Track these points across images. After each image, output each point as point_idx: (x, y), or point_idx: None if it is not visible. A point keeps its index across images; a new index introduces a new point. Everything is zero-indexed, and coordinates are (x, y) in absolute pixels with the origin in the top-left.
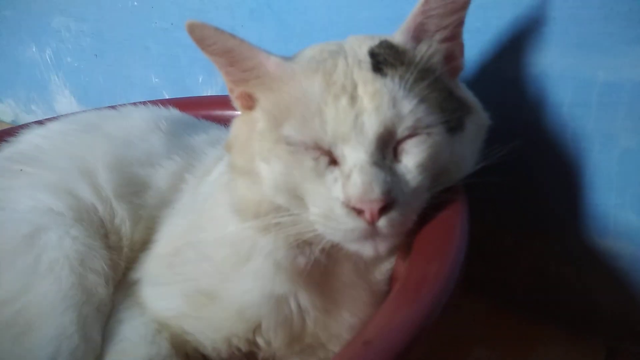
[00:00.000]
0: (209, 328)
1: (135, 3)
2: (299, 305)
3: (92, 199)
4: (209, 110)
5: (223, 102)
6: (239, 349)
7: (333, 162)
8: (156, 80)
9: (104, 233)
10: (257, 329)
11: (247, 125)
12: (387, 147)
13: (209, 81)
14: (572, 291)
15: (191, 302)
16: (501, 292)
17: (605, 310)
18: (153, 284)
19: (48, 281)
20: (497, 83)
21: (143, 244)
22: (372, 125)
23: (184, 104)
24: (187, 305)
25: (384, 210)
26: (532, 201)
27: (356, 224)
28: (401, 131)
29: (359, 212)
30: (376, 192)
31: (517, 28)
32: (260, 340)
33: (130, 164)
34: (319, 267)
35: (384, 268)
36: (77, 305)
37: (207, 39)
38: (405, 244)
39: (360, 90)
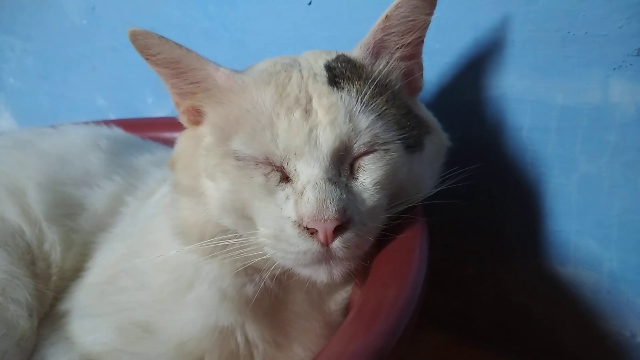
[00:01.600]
0: None
1: (85, 22)
2: (246, 338)
3: (18, 221)
4: (157, 132)
5: (173, 123)
6: None
7: (285, 178)
8: (102, 102)
9: (30, 259)
10: None
11: (192, 141)
12: (342, 164)
13: (159, 103)
14: (535, 322)
15: (125, 335)
16: (462, 324)
17: (568, 341)
18: (83, 315)
19: None
20: (455, 105)
21: (75, 272)
22: (327, 140)
23: (131, 125)
24: (121, 339)
25: (339, 230)
26: (492, 228)
27: (309, 246)
28: (358, 147)
29: (312, 232)
30: (331, 211)
31: (476, 50)
32: None
33: (64, 184)
34: (269, 296)
35: (339, 297)
36: None
37: (152, 47)
38: (363, 270)
39: (315, 104)
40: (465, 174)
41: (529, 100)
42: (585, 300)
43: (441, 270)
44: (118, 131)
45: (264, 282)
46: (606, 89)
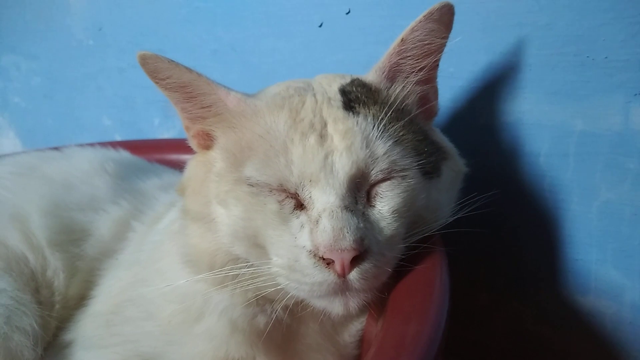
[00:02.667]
0: None
1: (91, 42)
2: None
3: (22, 248)
4: (163, 154)
5: (179, 145)
6: None
7: (299, 206)
8: (108, 122)
9: (34, 286)
10: None
11: (203, 166)
12: (359, 191)
13: (165, 124)
14: (552, 353)
15: None
16: (476, 354)
17: None
18: (87, 346)
19: None
20: (470, 130)
21: (79, 300)
22: (343, 166)
23: (136, 146)
24: None
25: (356, 260)
26: (508, 256)
27: (325, 277)
28: (375, 174)
29: (328, 263)
30: (348, 240)
31: (491, 74)
32: None
33: (69, 209)
34: (281, 328)
35: (354, 329)
36: None
37: (161, 71)
38: (378, 300)
39: (330, 129)
40: (482, 200)
41: (546, 126)
42: (606, 331)
43: (454, 299)
44: (125, 154)
45: (276, 313)
46: (627, 115)
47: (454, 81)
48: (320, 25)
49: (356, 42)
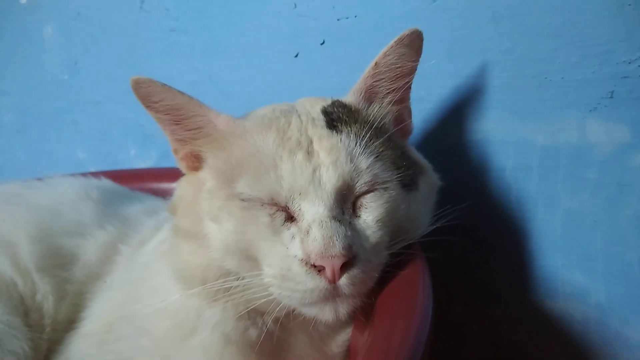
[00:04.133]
0: None
1: (66, 76)
2: None
3: (11, 274)
4: (142, 183)
5: (158, 174)
6: None
7: (290, 218)
8: (82, 155)
9: (23, 310)
10: None
11: (193, 186)
12: (345, 202)
13: (141, 155)
14: (526, 357)
15: None
16: None
17: None
18: None
19: None
20: (440, 148)
21: (69, 324)
22: (330, 179)
23: (116, 176)
24: None
25: (345, 267)
26: (481, 266)
27: (316, 283)
28: (359, 186)
29: (319, 270)
30: (338, 247)
31: (458, 96)
32: None
33: (56, 235)
34: (272, 340)
35: (341, 340)
36: None
37: (154, 95)
38: (364, 313)
39: (316, 146)
40: (456, 212)
41: (510, 142)
42: (575, 332)
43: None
44: (107, 182)
45: (267, 326)
46: (584, 130)
47: (425, 104)
48: (296, 55)
49: (331, 70)
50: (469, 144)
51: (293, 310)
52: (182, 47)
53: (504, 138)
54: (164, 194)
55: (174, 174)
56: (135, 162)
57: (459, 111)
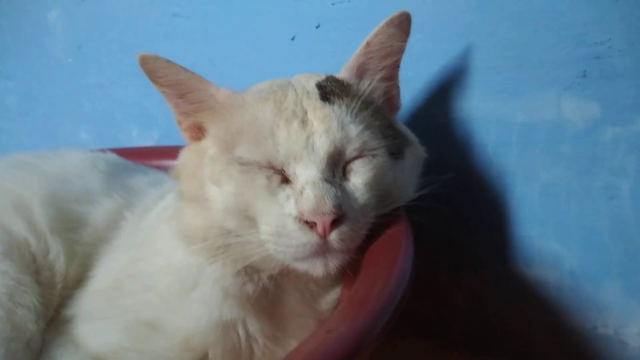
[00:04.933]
0: None
1: (70, 60)
2: (247, 333)
3: (25, 234)
4: (145, 160)
5: (160, 152)
6: None
7: (285, 181)
8: (86, 136)
9: (35, 269)
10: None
11: (196, 154)
12: (336, 167)
13: (143, 135)
14: (507, 323)
15: (132, 334)
16: (441, 331)
17: (538, 339)
18: (89, 318)
19: None
20: (427, 127)
21: (78, 282)
22: (322, 145)
23: (119, 154)
24: (128, 339)
25: (335, 224)
26: (465, 238)
27: (308, 238)
28: (349, 152)
29: (312, 226)
30: (328, 205)
31: (444, 77)
32: None
33: (67, 201)
34: (267, 295)
35: (330, 298)
36: (5, 340)
37: (159, 70)
38: (352, 271)
39: (310, 116)
40: (441, 182)
41: (492, 120)
42: (551, 298)
43: (418, 280)
44: (113, 156)
45: (263, 282)
46: (559, 107)
47: (412, 84)
48: (293, 39)
49: (326, 52)
50: (454, 121)
51: (287, 267)
52: (184, 32)
53: (486, 116)
54: (166, 170)
55: (175, 152)
56: (137, 143)
57: (445, 91)
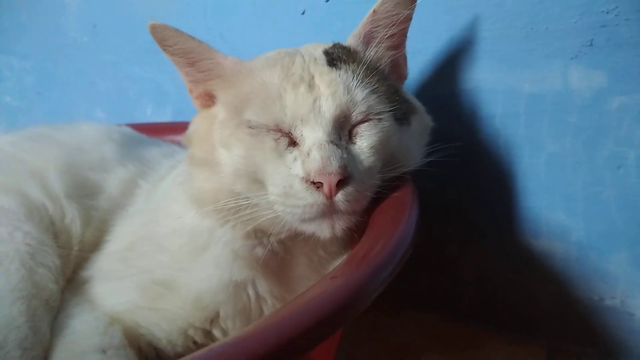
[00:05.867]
0: (164, 319)
1: (85, 39)
2: (256, 293)
3: (42, 199)
4: (159, 136)
5: (174, 127)
6: (194, 342)
7: (292, 143)
8: (101, 114)
9: (53, 231)
10: (214, 318)
11: (207, 120)
12: (342, 130)
13: (157, 112)
14: (514, 295)
15: (146, 293)
16: (448, 302)
17: (544, 310)
18: (105, 279)
19: None
20: (435, 98)
21: (94, 246)
22: (329, 108)
23: (135, 129)
24: (142, 298)
25: (340, 184)
26: (472, 209)
27: (315, 198)
28: (355, 115)
29: (318, 187)
30: (334, 166)
31: (452, 48)
32: (216, 332)
33: (82, 169)
34: (276, 259)
35: (337, 264)
36: (26, 297)
37: (169, 39)
38: (361, 227)
39: (317, 80)
40: (449, 149)
41: (500, 91)
42: (557, 269)
43: (426, 252)
44: (127, 129)
45: (272, 245)
46: (566, 77)
47: (421, 56)
48: (303, 13)
49: (335, 26)
50: (462, 93)
51: (295, 230)
52: (196, 8)
53: (493, 87)
54: (179, 145)
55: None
56: (151, 120)
57: (453, 62)
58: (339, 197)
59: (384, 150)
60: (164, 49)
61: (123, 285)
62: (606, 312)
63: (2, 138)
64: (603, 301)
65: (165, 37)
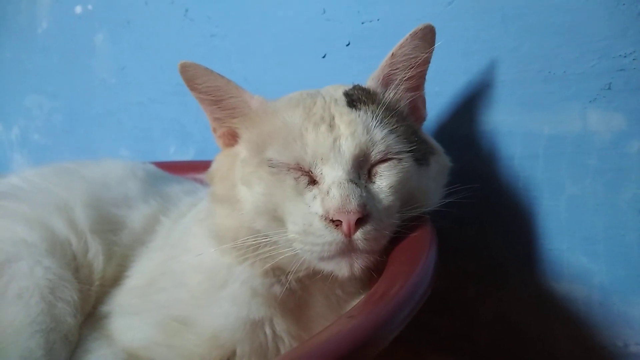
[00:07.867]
0: (180, 357)
1: (113, 80)
2: (273, 332)
3: (67, 233)
4: (181, 174)
5: (196, 166)
6: None
7: (312, 182)
8: (126, 153)
9: (75, 266)
10: (230, 357)
11: (229, 158)
12: (362, 169)
13: (180, 151)
14: (533, 338)
15: (163, 330)
16: (465, 345)
17: (565, 356)
18: (124, 314)
19: (16, 307)
20: (453, 140)
21: (114, 281)
22: (349, 147)
23: (158, 167)
24: (159, 334)
25: (359, 223)
26: (491, 251)
27: (334, 236)
28: (374, 155)
29: (337, 225)
30: (353, 204)
31: (470, 91)
32: None
33: (107, 204)
34: (294, 297)
35: (355, 304)
36: (45, 331)
37: (198, 77)
38: (378, 275)
39: (337, 120)
40: (465, 193)
41: (518, 133)
42: (579, 313)
43: (444, 294)
44: (150, 166)
45: (290, 284)
46: (585, 119)
47: (439, 98)
48: (324, 57)
49: (355, 69)
50: (480, 134)
51: (313, 268)
52: (221, 52)
53: (512, 129)
54: (201, 183)
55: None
56: (174, 159)
57: (471, 104)
58: (358, 235)
59: (403, 190)
60: (192, 88)
61: (141, 321)
62: (631, 359)
63: (30, 171)
64: (627, 347)
65: (195, 76)
